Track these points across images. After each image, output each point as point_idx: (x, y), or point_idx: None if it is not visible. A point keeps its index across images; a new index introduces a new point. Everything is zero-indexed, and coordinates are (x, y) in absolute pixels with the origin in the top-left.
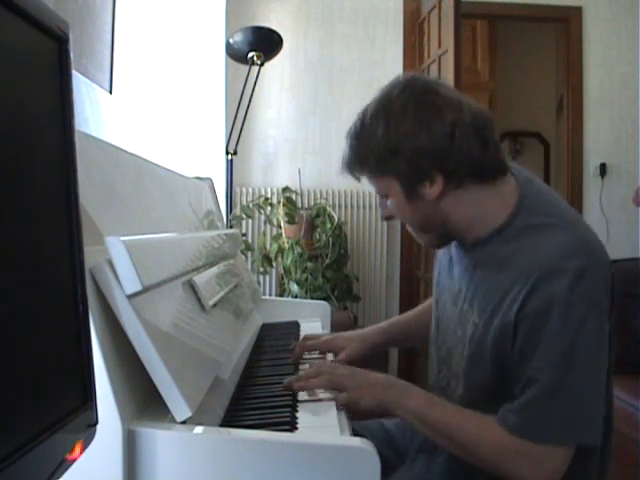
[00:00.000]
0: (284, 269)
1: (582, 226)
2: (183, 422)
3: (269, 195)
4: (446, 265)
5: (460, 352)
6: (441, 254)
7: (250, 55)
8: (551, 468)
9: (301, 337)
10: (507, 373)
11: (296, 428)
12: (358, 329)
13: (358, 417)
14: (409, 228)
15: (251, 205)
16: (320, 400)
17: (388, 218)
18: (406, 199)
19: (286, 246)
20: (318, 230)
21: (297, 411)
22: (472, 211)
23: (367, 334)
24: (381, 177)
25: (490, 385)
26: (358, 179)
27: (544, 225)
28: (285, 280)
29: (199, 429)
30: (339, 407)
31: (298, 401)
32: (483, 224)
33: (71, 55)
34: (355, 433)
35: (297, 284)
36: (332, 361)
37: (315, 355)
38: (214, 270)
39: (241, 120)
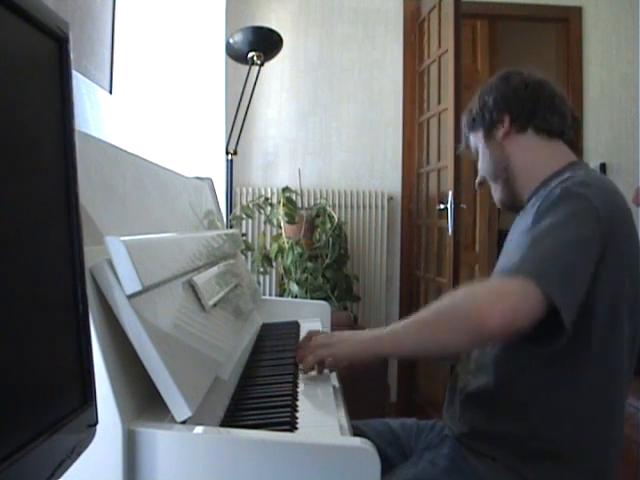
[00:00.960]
0: (284, 269)
1: (612, 191)
2: (183, 422)
3: (269, 195)
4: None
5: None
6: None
7: (250, 55)
8: (513, 300)
9: (302, 337)
10: None
11: (296, 428)
12: (358, 329)
13: (345, 371)
14: (490, 185)
15: (251, 205)
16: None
17: (481, 184)
18: (485, 144)
19: (286, 246)
20: (318, 230)
21: (297, 411)
22: (529, 158)
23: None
24: (477, 132)
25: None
26: (468, 143)
27: (582, 182)
28: (285, 280)
29: (199, 429)
30: (321, 367)
31: (299, 399)
32: (534, 175)
33: (71, 55)
34: (359, 431)
35: (297, 284)
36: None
37: None
38: (214, 270)
39: (241, 120)
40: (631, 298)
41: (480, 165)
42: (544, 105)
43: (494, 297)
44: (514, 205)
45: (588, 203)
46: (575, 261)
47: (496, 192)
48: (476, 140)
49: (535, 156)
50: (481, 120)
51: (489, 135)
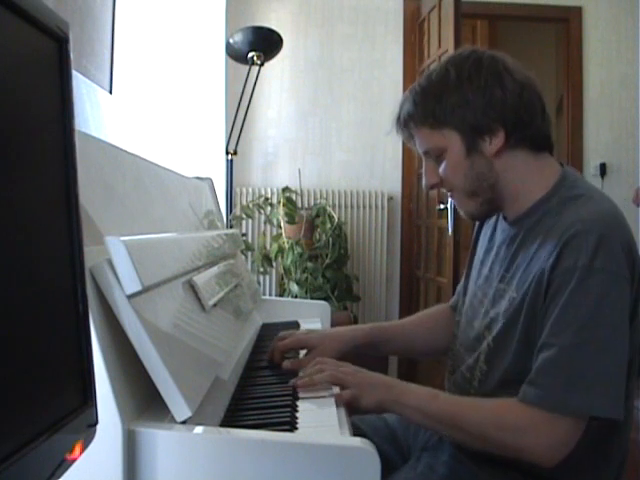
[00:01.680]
0: (284, 269)
1: (612, 203)
2: (183, 422)
3: (269, 195)
4: (481, 254)
5: (486, 337)
6: (479, 244)
7: (250, 55)
8: (562, 440)
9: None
10: (534, 345)
11: (296, 428)
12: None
13: (356, 413)
14: (454, 195)
15: (251, 205)
16: (322, 397)
17: (433, 186)
18: (465, 153)
19: (286, 246)
20: (318, 230)
21: (297, 411)
22: (519, 178)
23: (343, 333)
24: (442, 131)
25: (512, 369)
26: (410, 138)
27: (582, 196)
28: (285, 280)
29: (199, 429)
30: (339, 402)
31: (299, 398)
32: (525, 195)
33: (71, 55)
34: (357, 429)
35: (297, 284)
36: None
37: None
38: (214, 270)
39: (241, 120)
40: None
41: (451, 174)
42: (539, 114)
43: (536, 439)
44: (485, 218)
45: (616, 279)
46: (620, 355)
47: (466, 206)
48: (439, 140)
49: (526, 173)
50: (458, 121)
51: (472, 145)
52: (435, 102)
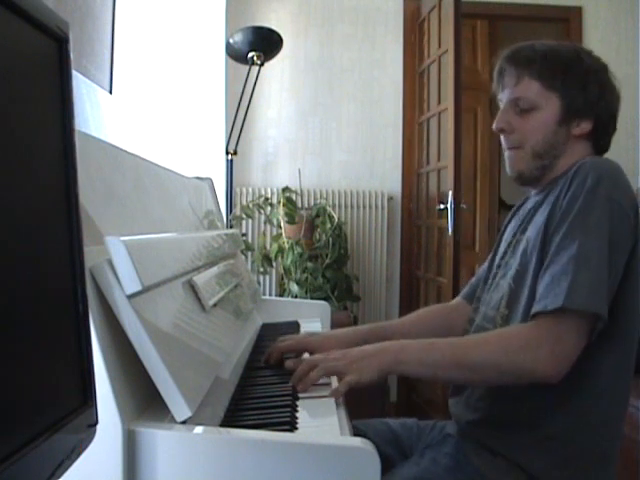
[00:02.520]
0: (284, 269)
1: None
2: (183, 422)
3: (269, 195)
4: (503, 232)
5: (507, 281)
6: (504, 237)
7: (250, 55)
8: (566, 347)
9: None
10: None
11: (296, 428)
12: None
13: (364, 387)
14: (518, 151)
15: (251, 205)
16: (324, 396)
17: (502, 130)
18: (556, 121)
19: (286, 246)
20: (318, 230)
21: (297, 411)
22: (573, 162)
23: (343, 334)
24: (550, 92)
25: (530, 307)
26: (503, 76)
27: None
28: (285, 280)
29: (199, 429)
30: (339, 394)
31: (299, 398)
32: (560, 171)
33: (71, 55)
34: (359, 431)
35: (297, 284)
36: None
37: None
38: (214, 270)
39: (241, 120)
40: None
41: (531, 128)
42: (615, 130)
43: (540, 348)
44: (530, 182)
45: (614, 204)
46: (608, 268)
47: (522, 164)
48: (542, 98)
49: (576, 162)
50: (571, 97)
51: (566, 118)
52: (561, 71)
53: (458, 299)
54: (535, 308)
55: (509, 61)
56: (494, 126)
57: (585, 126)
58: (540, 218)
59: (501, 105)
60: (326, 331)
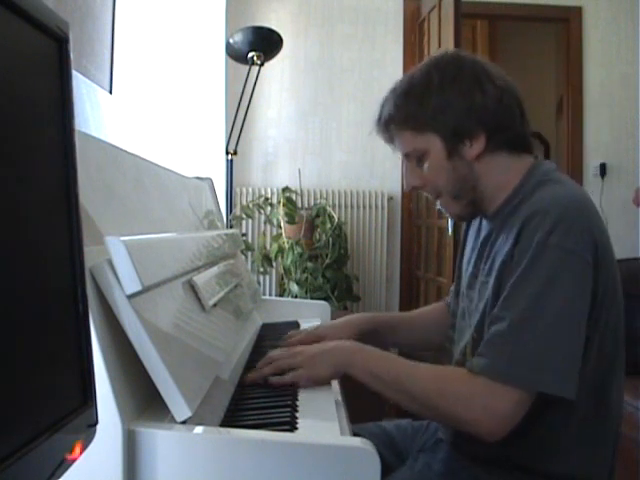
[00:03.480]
0: (284, 269)
1: (582, 190)
2: (183, 422)
3: (269, 195)
4: (468, 254)
5: (471, 329)
6: (467, 246)
7: (250, 55)
8: (504, 412)
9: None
10: None
11: (296, 428)
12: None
13: (320, 384)
14: (440, 198)
15: (251, 205)
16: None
17: (414, 188)
18: (447, 157)
19: (286, 246)
20: (318, 230)
21: (297, 411)
22: (499, 179)
23: (351, 319)
24: (423, 134)
25: None
26: (390, 140)
27: (550, 180)
28: (285, 280)
29: (199, 429)
30: (280, 383)
31: (299, 398)
32: (502, 191)
33: (71, 55)
34: (354, 434)
35: (297, 284)
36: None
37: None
38: (214, 270)
39: (241, 120)
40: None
41: (433, 177)
42: (518, 118)
43: (480, 410)
44: (474, 217)
45: (567, 254)
46: (575, 334)
47: (452, 208)
48: (421, 143)
49: (505, 174)
50: (440, 125)
51: (453, 149)
52: (417, 105)
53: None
54: (474, 364)
55: (377, 126)
56: (406, 188)
57: (477, 144)
58: (497, 262)
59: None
60: (334, 320)
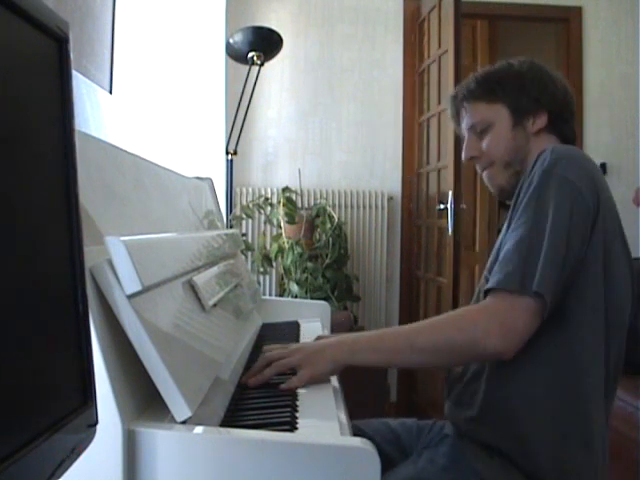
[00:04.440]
0: (284, 269)
1: (585, 159)
2: (183, 422)
3: (269, 195)
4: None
5: (483, 277)
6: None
7: (250, 55)
8: (514, 323)
9: (302, 337)
10: None
11: (296, 428)
12: (358, 330)
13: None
14: (491, 168)
15: (251, 205)
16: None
17: (472, 158)
18: (511, 127)
19: (286, 246)
20: (318, 230)
21: (297, 411)
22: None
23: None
24: (495, 105)
25: None
26: (457, 114)
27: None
28: (285, 280)
29: (199, 429)
30: (293, 387)
31: (298, 399)
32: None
33: (71, 55)
34: (359, 431)
35: (297, 284)
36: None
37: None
38: (214, 270)
39: (241, 120)
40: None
41: (495, 145)
42: (574, 116)
43: (490, 321)
44: (512, 195)
45: (569, 183)
46: (562, 250)
47: (499, 178)
48: (491, 113)
49: None
50: (514, 100)
51: (518, 121)
52: (496, 83)
53: None
54: (489, 284)
55: (454, 100)
56: (463, 158)
57: (540, 121)
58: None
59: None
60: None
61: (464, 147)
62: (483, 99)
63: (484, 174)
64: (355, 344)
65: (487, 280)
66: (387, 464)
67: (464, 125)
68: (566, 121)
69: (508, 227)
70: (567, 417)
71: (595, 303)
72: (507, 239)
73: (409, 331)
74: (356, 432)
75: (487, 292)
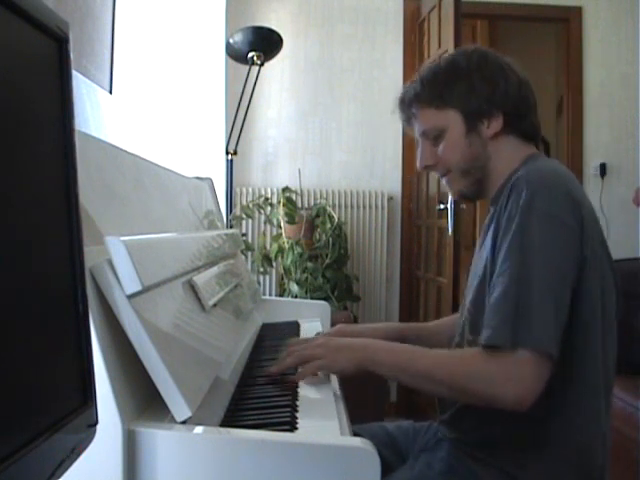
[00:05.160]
0: (284, 269)
1: (567, 170)
2: (183, 422)
3: (269, 195)
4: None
5: (466, 305)
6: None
7: (250, 55)
8: (521, 378)
9: (302, 336)
10: None
11: (296, 428)
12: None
13: (338, 375)
14: (449, 175)
15: (251, 205)
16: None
17: (427, 167)
18: (465, 134)
19: (286, 246)
20: (318, 230)
21: (297, 411)
22: (505, 162)
23: (378, 329)
24: (445, 111)
25: None
26: (408, 119)
27: (539, 159)
28: (285, 280)
29: (199, 429)
30: (302, 376)
31: (298, 399)
32: (503, 176)
33: (71, 55)
34: (355, 434)
35: (297, 284)
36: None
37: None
38: (214, 270)
39: (241, 120)
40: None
41: (449, 152)
42: (533, 108)
43: (504, 382)
44: (474, 199)
45: (551, 218)
46: (558, 291)
47: (457, 184)
48: (442, 120)
49: (511, 158)
50: (463, 104)
51: (472, 126)
52: (444, 85)
53: None
54: (481, 338)
55: (401, 105)
56: (418, 166)
57: (495, 124)
58: (489, 236)
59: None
60: (363, 326)
61: (418, 155)
62: (432, 104)
63: (443, 179)
64: (376, 354)
65: (470, 313)
66: (384, 468)
67: (416, 130)
68: (524, 117)
69: (482, 247)
70: (567, 443)
71: (594, 320)
72: (495, 284)
73: (429, 361)
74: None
75: (482, 345)
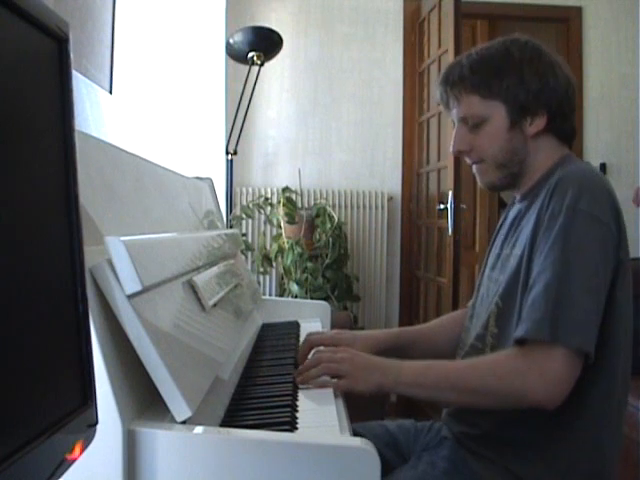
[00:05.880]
0: (284, 269)
1: (600, 172)
2: (183, 422)
3: (269, 195)
4: (498, 242)
5: (495, 300)
6: (498, 239)
7: (250, 55)
8: (554, 374)
9: (302, 337)
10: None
11: (296, 428)
12: (358, 329)
13: (356, 396)
14: (481, 165)
15: (251, 205)
16: (323, 386)
17: (460, 152)
18: (508, 128)
19: (286, 246)
20: (318, 230)
21: (297, 411)
22: (543, 160)
23: (374, 336)
24: (491, 100)
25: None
26: (447, 102)
27: (575, 161)
28: (285, 280)
29: (199, 429)
30: (335, 393)
31: (298, 399)
32: (538, 172)
33: (71, 55)
34: (356, 434)
35: (297, 284)
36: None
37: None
38: (214, 270)
39: (241, 120)
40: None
41: (486, 143)
42: (574, 111)
43: (530, 372)
44: (505, 189)
45: (596, 222)
46: (597, 292)
47: (490, 175)
48: (485, 109)
49: (548, 157)
50: (511, 97)
51: (516, 122)
52: (493, 75)
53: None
54: (517, 332)
55: (443, 84)
56: (451, 150)
57: (539, 122)
58: (526, 232)
59: (454, 125)
60: (360, 332)
61: (453, 138)
62: (477, 92)
63: (474, 167)
64: (400, 375)
65: (498, 306)
66: (385, 468)
67: (454, 113)
68: (566, 118)
69: (509, 243)
70: (576, 441)
71: (619, 324)
72: (535, 280)
73: (453, 370)
74: (354, 435)
75: (518, 338)
